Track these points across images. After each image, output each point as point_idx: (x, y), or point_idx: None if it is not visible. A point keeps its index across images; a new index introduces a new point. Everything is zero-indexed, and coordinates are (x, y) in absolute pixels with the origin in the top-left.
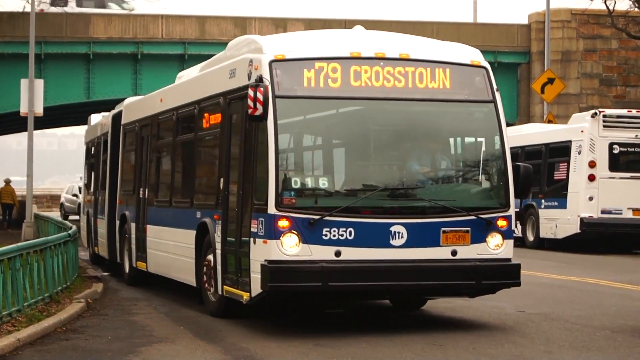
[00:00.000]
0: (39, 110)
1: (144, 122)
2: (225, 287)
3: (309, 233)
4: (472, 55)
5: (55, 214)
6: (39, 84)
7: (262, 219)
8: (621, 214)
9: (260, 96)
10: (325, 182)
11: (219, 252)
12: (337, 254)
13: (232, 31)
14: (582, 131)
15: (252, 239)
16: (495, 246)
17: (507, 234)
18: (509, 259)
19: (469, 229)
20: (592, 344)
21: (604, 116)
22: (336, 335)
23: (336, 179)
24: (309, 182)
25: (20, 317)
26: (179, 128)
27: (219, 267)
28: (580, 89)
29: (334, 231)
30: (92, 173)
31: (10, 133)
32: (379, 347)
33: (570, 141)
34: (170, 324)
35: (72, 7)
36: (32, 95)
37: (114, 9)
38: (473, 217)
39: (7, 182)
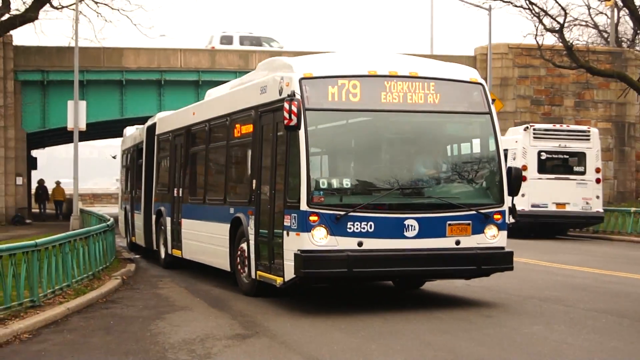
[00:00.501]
0: (82, 126)
1: (178, 132)
2: (258, 272)
3: (336, 226)
4: (470, 73)
5: (97, 209)
6: (82, 105)
7: (295, 215)
8: (547, 207)
9: (294, 109)
10: (348, 183)
11: (252, 242)
12: (360, 244)
13: (237, 62)
14: (516, 141)
15: (285, 232)
16: (492, 236)
17: (501, 226)
18: (503, 247)
19: (470, 222)
20: (523, 308)
21: (534, 129)
22: (347, 310)
23: (357, 180)
24: (335, 183)
25: (69, 291)
26: (210, 137)
27: (252, 255)
28: (516, 107)
29: (357, 225)
30: (128, 175)
31: (60, 144)
32: (390, 323)
33: (507, 149)
34: (189, 296)
35: (108, 43)
36: (77, 114)
37: (266, 47)
38: (474, 212)
39: (58, 183)
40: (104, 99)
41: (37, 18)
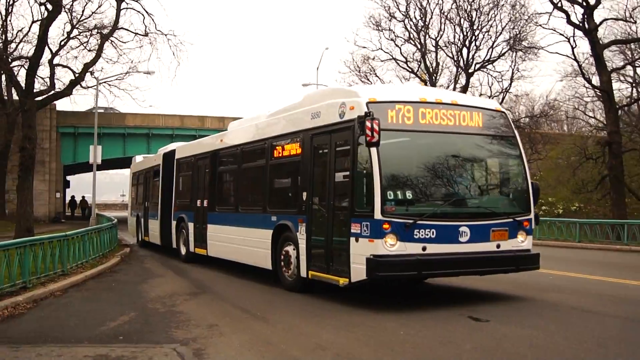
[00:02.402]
0: (99, 161)
1: (202, 156)
2: (311, 272)
3: (404, 233)
4: (495, 104)
5: (107, 213)
6: (99, 148)
7: (367, 223)
8: None
9: (375, 127)
10: (413, 195)
11: (302, 246)
12: (424, 249)
13: (196, 123)
14: None
15: (353, 238)
16: (522, 241)
17: (529, 232)
18: (530, 250)
19: (507, 228)
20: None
21: None
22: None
23: (420, 192)
24: (402, 194)
25: (86, 265)
26: (243, 158)
27: (302, 257)
28: None
29: (422, 232)
30: (141, 191)
31: (85, 172)
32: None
33: None
34: (163, 268)
35: (116, 109)
36: (95, 154)
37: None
38: (510, 220)
39: (83, 197)
40: (112, 145)
41: (71, 94)
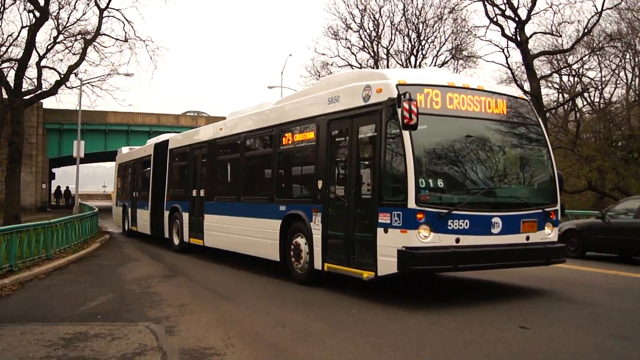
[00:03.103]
0: (82, 155)
1: (198, 145)
2: (328, 264)
3: (438, 224)
4: (518, 91)
5: (89, 202)
6: (82, 143)
7: (399, 212)
8: None
9: (414, 108)
10: (445, 183)
11: (318, 237)
12: (457, 240)
13: (172, 121)
14: None
15: (381, 229)
16: (549, 233)
17: (555, 223)
18: (555, 242)
19: (536, 219)
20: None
21: None
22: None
23: (453, 180)
24: (437, 182)
25: (69, 250)
26: (246, 146)
27: (316, 249)
28: None
29: (455, 222)
30: (128, 181)
31: (69, 165)
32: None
33: None
34: (140, 253)
35: (98, 107)
36: (79, 148)
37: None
38: (540, 210)
39: (67, 187)
40: (95, 140)
41: (56, 93)
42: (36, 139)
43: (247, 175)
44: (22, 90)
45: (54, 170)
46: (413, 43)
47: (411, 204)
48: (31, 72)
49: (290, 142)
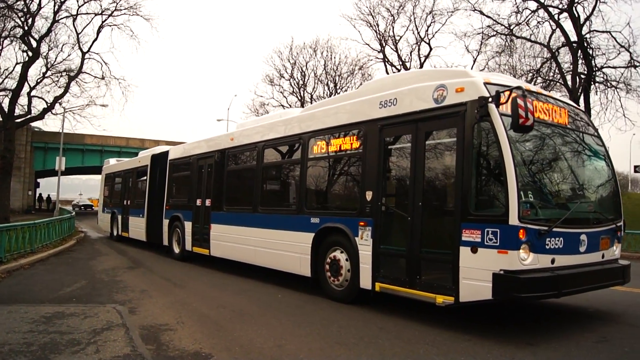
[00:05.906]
0: (63, 168)
1: (204, 156)
2: (379, 284)
3: (537, 243)
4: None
5: (68, 208)
6: (63, 159)
7: (496, 230)
8: None
9: (530, 106)
10: (541, 195)
11: (366, 253)
12: (552, 261)
13: (138, 143)
14: None
15: (467, 248)
16: (616, 250)
17: (619, 239)
18: (618, 259)
19: (609, 236)
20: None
21: None
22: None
23: (548, 192)
24: (535, 195)
25: (50, 245)
26: (265, 155)
27: (364, 266)
28: None
29: (551, 241)
30: (118, 190)
31: (52, 176)
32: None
33: None
34: (109, 249)
35: (78, 130)
36: (60, 163)
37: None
38: (613, 226)
39: (49, 195)
40: (74, 157)
41: (43, 118)
42: (25, 154)
43: (265, 185)
44: (15, 114)
45: (39, 180)
46: (331, 90)
47: (513, 220)
48: (23, 100)
49: (323, 151)
